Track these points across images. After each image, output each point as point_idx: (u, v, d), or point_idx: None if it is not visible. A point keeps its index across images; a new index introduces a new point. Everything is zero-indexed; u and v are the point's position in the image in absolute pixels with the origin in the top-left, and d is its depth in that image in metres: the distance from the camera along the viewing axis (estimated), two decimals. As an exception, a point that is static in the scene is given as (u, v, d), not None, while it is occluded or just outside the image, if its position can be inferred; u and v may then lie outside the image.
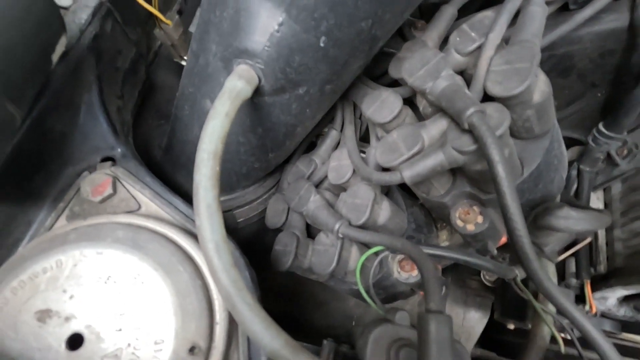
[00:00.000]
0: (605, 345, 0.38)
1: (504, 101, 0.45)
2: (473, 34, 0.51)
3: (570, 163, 0.79)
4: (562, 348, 0.53)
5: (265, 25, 0.40)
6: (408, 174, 0.48)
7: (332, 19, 0.38)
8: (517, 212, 0.38)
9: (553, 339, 0.57)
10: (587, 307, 0.64)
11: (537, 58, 0.43)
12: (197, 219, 0.35)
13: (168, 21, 0.57)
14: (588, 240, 0.57)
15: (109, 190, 0.44)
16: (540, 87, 0.46)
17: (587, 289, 0.64)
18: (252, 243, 0.80)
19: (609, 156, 0.69)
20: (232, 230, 0.75)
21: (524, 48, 0.44)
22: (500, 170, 0.38)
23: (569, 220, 0.51)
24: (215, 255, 0.34)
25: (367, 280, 0.63)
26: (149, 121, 0.69)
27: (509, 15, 0.49)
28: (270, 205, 0.73)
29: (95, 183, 0.44)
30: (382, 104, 0.57)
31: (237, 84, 0.41)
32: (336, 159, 0.67)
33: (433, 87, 0.47)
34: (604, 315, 0.79)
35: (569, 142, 0.91)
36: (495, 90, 0.44)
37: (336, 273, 0.58)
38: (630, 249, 0.63)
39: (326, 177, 0.67)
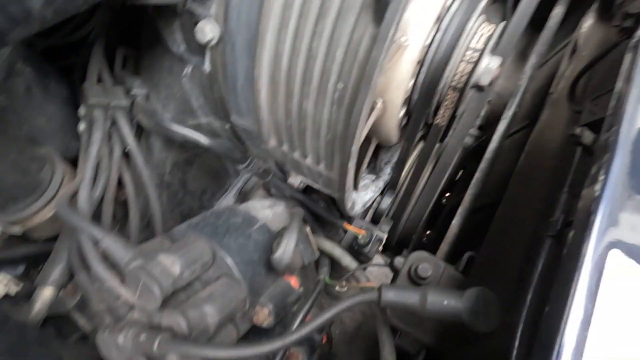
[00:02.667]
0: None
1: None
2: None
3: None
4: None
5: None
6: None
7: None
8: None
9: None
10: (360, 237, 0.86)
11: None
12: None
13: None
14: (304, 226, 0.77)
15: None
16: (169, 266, 0.58)
17: (348, 227, 0.84)
18: None
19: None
20: None
21: (131, 274, 0.55)
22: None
23: (282, 257, 0.67)
24: None
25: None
26: None
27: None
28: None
29: None
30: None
31: None
32: None
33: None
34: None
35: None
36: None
37: None
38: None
39: None
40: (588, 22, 1.23)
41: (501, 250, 0.74)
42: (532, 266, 0.57)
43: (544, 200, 0.75)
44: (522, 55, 1.76)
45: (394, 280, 0.68)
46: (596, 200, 0.36)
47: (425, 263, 0.64)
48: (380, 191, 1.02)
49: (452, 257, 0.93)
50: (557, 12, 1.29)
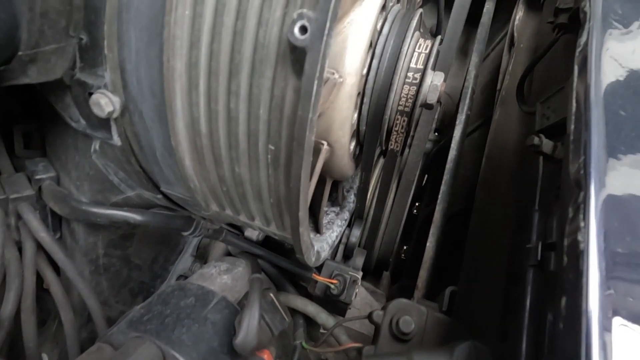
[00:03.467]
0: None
1: None
2: None
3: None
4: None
5: None
6: None
7: None
8: None
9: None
10: (333, 288, 0.78)
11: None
12: None
13: None
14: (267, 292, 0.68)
15: None
16: None
17: (318, 279, 0.77)
18: None
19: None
20: None
21: None
22: None
23: (245, 341, 0.58)
24: None
25: None
26: None
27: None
28: None
29: None
30: None
31: None
32: None
33: None
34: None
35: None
36: None
37: None
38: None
39: None
40: (519, 14, 1.24)
41: (481, 280, 0.69)
42: (520, 301, 0.52)
43: (514, 217, 0.71)
44: (463, 50, 1.78)
45: (375, 339, 0.60)
46: (582, 256, 0.30)
47: (405, 315, 0.58)
48: (347, 223, 0.95)
49: (432, 283, 0.87)
50: (489, 8, 1.30)
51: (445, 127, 1.52)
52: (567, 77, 0.71)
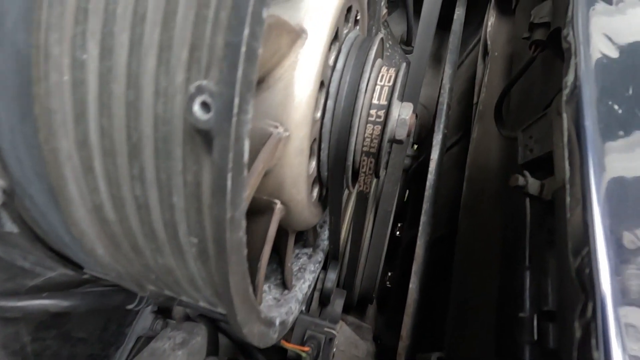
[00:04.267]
0: None
1: None
2: None
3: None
4: None
5: None
6: None
7: None
8: None
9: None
10: (305, 357, 0.69)
11: None
12: None
13: None
14: None
15: None
16: None
17: (287, 346, 0.68)
18: None
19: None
20: None
21: None
22: None
23: None
24: None
25: None
26: None
27: None
28: None
29: None
30: None
31: None
32: None
33: None
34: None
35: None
36: None
37: None
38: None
39: None
40: (491, 20, 1.18)
41: (470, 343, 0.61)
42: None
43: (500, 253, 0.63)
44: (437, 57, 1.72)
45: None
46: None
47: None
48: (321, 265, 0.86)
49: (417, 330, 0.79)
50: (459, 14, 1.23)
51: (422, 140, 1.45)
52: (546, 98, 0.63)
